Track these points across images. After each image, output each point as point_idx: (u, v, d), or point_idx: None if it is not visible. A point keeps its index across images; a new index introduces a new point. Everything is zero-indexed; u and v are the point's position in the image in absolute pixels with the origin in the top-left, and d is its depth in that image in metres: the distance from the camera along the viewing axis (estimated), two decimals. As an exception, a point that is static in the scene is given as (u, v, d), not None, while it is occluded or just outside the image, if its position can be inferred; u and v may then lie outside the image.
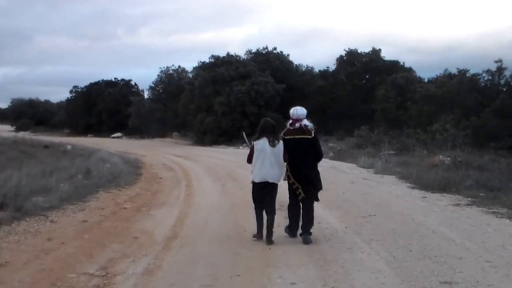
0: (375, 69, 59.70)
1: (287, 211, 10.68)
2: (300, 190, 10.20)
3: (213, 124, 57.07)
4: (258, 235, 10.15)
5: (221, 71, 58.15)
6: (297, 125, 10.21)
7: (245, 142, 11.13)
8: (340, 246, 10.01)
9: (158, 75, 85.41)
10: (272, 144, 9.93)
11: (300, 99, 52.37)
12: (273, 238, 10.03)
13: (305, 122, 10.29)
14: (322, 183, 10.50)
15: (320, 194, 10.76)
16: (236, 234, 10.94)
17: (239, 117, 56.26)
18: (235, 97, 56.22)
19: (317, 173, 10.42)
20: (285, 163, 10.14)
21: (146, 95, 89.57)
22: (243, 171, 20.69)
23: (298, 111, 10.33)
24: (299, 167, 10.14)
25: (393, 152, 30.58)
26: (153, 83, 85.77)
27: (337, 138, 46.30)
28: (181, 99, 64.15)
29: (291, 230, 10.48)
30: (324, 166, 19.90)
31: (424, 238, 10.68)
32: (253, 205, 10.28)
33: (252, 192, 10.25)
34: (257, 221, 10.18)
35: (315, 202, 10.58)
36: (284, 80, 60.87)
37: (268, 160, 9.91)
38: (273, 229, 10.09)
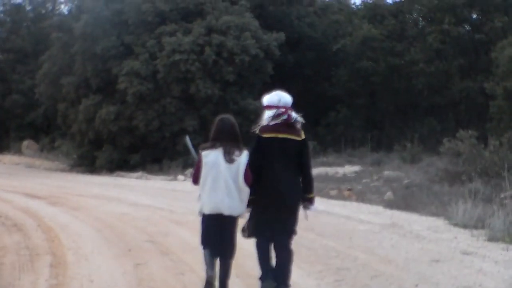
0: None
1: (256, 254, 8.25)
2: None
3: (117, 123, 35.13)
4: (209, 278, 8.05)
5: (137, 1, 35.57)
6: (284, 117, 8.03)
7: (189, 152, 9.04)
8: None
9: None
10: (229, 159, 8.05)
11: (318, 69, 40.33)
12: None
13: (294, 113, 8.14)
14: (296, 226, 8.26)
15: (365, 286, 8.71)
16: None
17: (177, 108, 34.44)
18: (169, 62, 33.56)
19: (298, 202, 8.15)
20: (247, 188, 8.11)
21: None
22: (185, 232, 14.17)
23: (282, 96, 8.23)
24: (277, 182, 8.02)
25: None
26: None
27: (401, 158, 29.60)
28: (43, 66, 41.65)
29: (265, 278, 8.08)
30: (374, 223, 14.83)
31: None
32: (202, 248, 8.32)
33: (201, 230, 8.29)
34: (206, 261, 8.18)
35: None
36: (282, 24, 39.29)
37: (222, 181, 8.06)
38: (228, 281, 8.25)
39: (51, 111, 44.67)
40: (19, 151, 50.76)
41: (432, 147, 29.41)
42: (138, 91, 33.71)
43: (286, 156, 8.23)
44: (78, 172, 38.14)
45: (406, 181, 22.51)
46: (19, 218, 17.21)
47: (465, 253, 11.84)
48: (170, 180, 30.14)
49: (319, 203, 18.89)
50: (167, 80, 33.79)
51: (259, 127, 8.29)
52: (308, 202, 8.38)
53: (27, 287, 9.84)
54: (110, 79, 35.70)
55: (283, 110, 8.23)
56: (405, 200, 18.45)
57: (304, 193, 8.30)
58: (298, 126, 8.33)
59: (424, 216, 16.42)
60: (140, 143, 35.02)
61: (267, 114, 8.30)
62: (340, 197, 20.38)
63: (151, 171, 33.04)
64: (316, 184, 23.44)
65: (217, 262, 8.40)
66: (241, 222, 8.56)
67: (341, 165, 29.04)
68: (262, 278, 8.32)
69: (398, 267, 10.42)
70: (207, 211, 8.31)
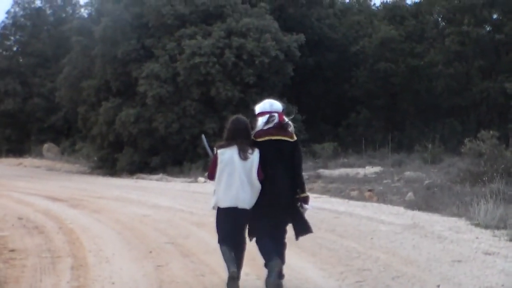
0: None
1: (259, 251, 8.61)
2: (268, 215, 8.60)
3: (137, 126, 35.03)
4: (232, 273, 8.25)
5: (157, 4, 35.39)
6: (276, 121, 8.62)
7: (206, 150, 9.42)
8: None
9: (10, 12, 58.66)
10: (244, 156, 8.55)
11: (337, 71, 40.38)
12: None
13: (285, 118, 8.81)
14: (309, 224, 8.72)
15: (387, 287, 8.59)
16: None
17: (197, 111, 34.25)
18: (189, 64, 33.34)
19: (297, 206, 8.63)
20: (259, 184, 8.60)
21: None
22: (206, 234, 13.95)
23: (273, 103, 8.83)
24: (273, 182, 8.52)
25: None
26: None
27: (422, 158, 29.03)
28: (63, 69, 41.88)
29: (271, 259, 8.38)
30: (396, 224, 14.54)
31: None
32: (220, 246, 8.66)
33: (217, 223, 8.77)
34: (225, 258, 8.50)
35: None
36: (302, 26, 38.95)
37: (237, 176, 8.57)
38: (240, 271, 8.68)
39: (71, 114, 44.71)
40: (40, 154, 50.85)
41: (453, 148, 29.23)
42: (158, 94, 33.55)
43: (281, 157, 8.73)
44: (98, 174, 38.01)
45: (427, 182, 22.09)
46: (41, 220, 17.08)
47: (487, 253, 11.65)
48: (191, 182, 29.86)
49: (340, 204, 18.85)
50: (187, 83, 33.64)
51: (253, 134, 8.79)
52: (302, 201, 8.76)
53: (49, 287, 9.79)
54: (130, 82, 35.68)
55: (275, 114, 8.79)
56: (426, 201, 18.15)
57: (297, 193, 8.76)
58: (290, 129, 8.85)
59: (446, 216, 16.16)
60: (160, 145, 34.87)
61: (261, 121, 8.83)
62: (361, 198, 20.07)
63: (172, 173, 32.90)
64: (337, 185, 23.58)
65: None
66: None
67: (361, 166, 28.70)
68: (268, 260, 8.69)
69: (419, 267, 10.29)
70: (223, 205, 8.78)
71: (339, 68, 41.35)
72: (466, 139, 23.10)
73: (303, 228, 8.85)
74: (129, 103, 35.55)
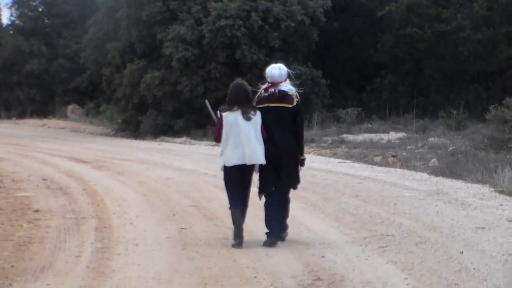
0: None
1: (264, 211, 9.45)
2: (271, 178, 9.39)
3: (162, 89, 34.66)
4: (238, 240, 9.23)
5: None
6: (271, 90, 9.39)
7: (210, 114, 10.17)
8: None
9: None
10: (247, 117, 9.22)
11: (363, 36, 40.27)
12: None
13: (284, 86, 9.42)
14: (299, 179, 9.64)
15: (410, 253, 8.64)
16: None
17: (222, 74, 33.48)
18: (214, 27, 32.97)
19: (296, 163, 9.46)
20: (263, 142, 9.31)
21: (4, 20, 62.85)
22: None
23: (273, 71, 9.48)
24: (274, 142, 9.32)
25: None
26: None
27: (447, 125, 28.41)
28: (89, 31, 41.83)
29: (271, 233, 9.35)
30: (419, 190, 14.34)
31: None
32: (228, 201, 9.45)
33: (225, 182, 9.46)
34: (234, 222, 9.30)
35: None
36: None
37: (244, 136, 9.21)
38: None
39: (96, 76, 44.68)
40: (64, 116, 50.71)
41: (478, 115, 28.79)
42: (183, 57, 33.29)
43: (280, 121, 9.36)
44: (122, 136, 37.92)
45: (451, 148, 21.90)
46: (65, 181, 17.08)
47: (511, 220, 11.43)
48: (214, 145, 28.94)
49: (364, 169, 18.77)
50: (213, 46, 33.39)
51: (255, 99, 9.60)
52: (300, 163, 9.53)
53: (73, 250, 9.77)
54: (155, 45, 35.46)
55: (270, 85, 9.48)
56: (450, 167, 17.85)
57: (298, 154, 9.52)
58: (290, 94, 9.44)
59: (470, 183, 15.77)
60: (184, 108, 34.66)
61: (262, 87, 9.66)
62: (385, 163, 19.84)
63: (195, 137, 32.77)
64: (360, 151, 23.54)
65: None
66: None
67: (385, 131, 28.38)
68: (267, 225, 9.50)
69: (443, 234, 10.12)
70: (231, 163, 9.36)
71: (364, 33, 40.80)
72: (491, 105, 22.89)
73: (293, 185, 9.63)
74: (153, 66, 35.33)
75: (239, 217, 9.45)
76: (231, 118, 9.42)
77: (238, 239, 9.41)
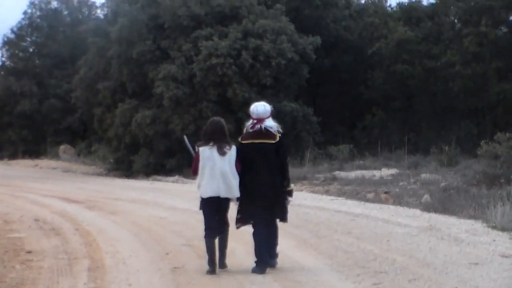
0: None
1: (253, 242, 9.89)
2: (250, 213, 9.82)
3: (153, 127, 34.49)
4: (211, 267, 9.82)
5: (172, 6, 35.06)
6: (257, 127, 9.82)
7: (188, 149, 10.54)
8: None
9: (27, 13, 58.11)
10: (222, 152, 9.73)
11: (353, 73, 40.40)
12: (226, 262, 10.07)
13: (268, 123, 9.82)
14: (287, 210, 9.97)
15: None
16: None
17: (213, 112, 30.64)
18: (206, 65, 33.01)
19: (282, 197, 9.83)
20: (237, 175, 9.76)
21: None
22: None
23: (258, 108, 9.89)
24: (257, 179, 9.65)
25: None
26: (13, 30, 58.03)
27: (439, 161, 28.64)
28: (80, 70, 41.13)
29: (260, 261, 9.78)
30: (412, 226, 14.52)
31: None
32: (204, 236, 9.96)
33: (203, 213, 9.98)
34: (207, 250, 9.91)
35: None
36: (318, 27, 38.83)
37: (218, 170, 9.70)
38: (226, 250, 10.06)
39: (87, 115, 44.12)
40: (56, 156, 50.47)
41: (469, 150, 28.92)
42: (174, 95, 33.34)
43: (263, 157, 9.77)
44: (114, 176, 37.81)
45: (443, 184, 22.00)
46: (57, 222, 17.01)
47: (504, 256, 11.49)
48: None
49: (356, 206, 18.73)
50: (204, 84, 33.46)
51: (241, 136, 10.05)
52: (287, 194, 9.94)
53: (66, 288, 9.64)
54: (146, 83, 35.47)
55: (255, 121, 9.86)
56: (443, 203, 17.94)
57: (282, 186, 9.87)
58: (273, 130, 9.84)
59: (462, 219, 15.92)
60: (176, 147, 33.96)
61: (247, 124, 10.09)
62: (377, 200, 19.85)
63: (188, 175, 32.12)
64: (353, 188, 23.46)
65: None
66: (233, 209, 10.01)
67: (377, 168, 28.42)
68: (256, 255, 9.90)
69: (436, 270, 10.17)
70: (207, 195, 9.85)
71: (355, 70, 41.09)
72: (482, 141, 23.02)
73: (280, 216, 9.97)
74: (145, 105, 35.30)
75: (213, 246, 9.96)
76: (207, 153, 9.91)
77: (212, 266, 9.95)
